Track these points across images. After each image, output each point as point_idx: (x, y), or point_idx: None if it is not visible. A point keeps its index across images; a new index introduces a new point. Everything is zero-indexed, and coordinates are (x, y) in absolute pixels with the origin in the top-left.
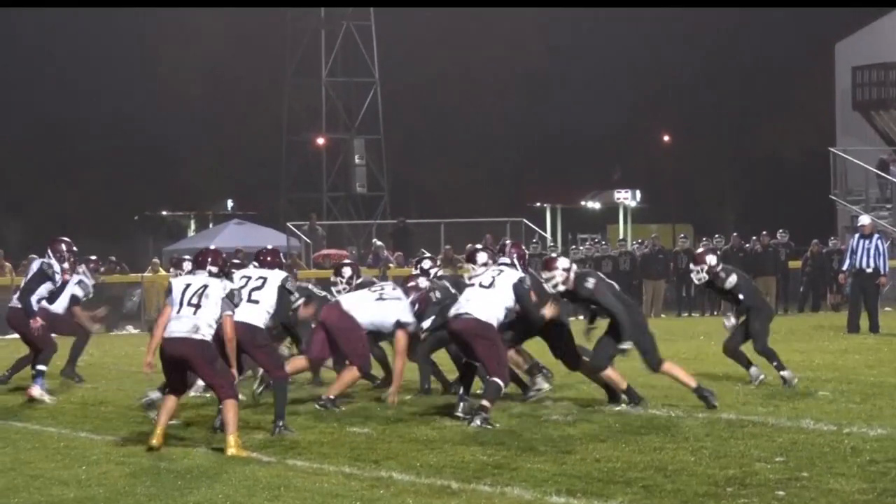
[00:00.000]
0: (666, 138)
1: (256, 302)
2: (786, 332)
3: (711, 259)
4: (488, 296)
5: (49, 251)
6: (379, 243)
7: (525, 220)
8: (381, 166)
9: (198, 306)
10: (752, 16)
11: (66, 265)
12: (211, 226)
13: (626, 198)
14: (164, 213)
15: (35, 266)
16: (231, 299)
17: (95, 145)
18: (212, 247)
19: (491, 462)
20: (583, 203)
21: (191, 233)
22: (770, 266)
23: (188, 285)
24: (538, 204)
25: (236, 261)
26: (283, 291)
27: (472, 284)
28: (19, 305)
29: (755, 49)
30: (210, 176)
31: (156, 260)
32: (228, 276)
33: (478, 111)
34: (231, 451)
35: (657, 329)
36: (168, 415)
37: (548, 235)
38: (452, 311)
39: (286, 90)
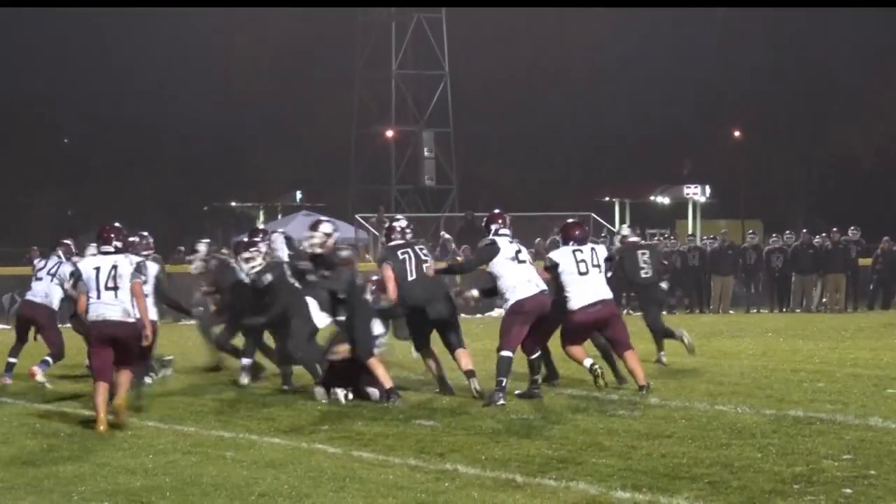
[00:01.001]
0: (736, 133)
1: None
2: (854, 330)
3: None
4: (602, 275)
5: (60, 251)
6: (447, 236)
7: (593, 215)
8: (450, 159)
9: (116, 288)
10: (826, 13)
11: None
12: (280, 217)
13: (696, 193)
14: (233, 203)
15: (66, 271)
16: (139, 271)
17: (164, 136)
18: (116, 224)
19: (556, 456)
20: (652, 198)
21: (259, 224)
22: (840, 263)
23: (98, 268)
24: (607, 198)
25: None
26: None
27: (597, 266)
28: (37, 301)
29: (829, 46)
30: (279, 167)
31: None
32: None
33: (547, 105)
34: (112, 417)
35: (726, 325)
36: (105, 400)
37: (616, 230)
38: (590, 299)
39: (356, 82)
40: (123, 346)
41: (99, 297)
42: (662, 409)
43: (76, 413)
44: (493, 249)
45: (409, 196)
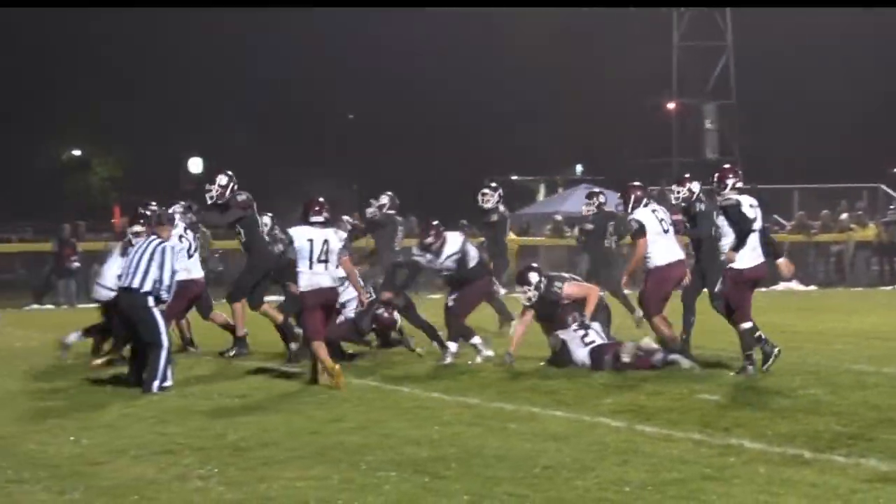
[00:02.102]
0: None
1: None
2: None
3: (695, 185)
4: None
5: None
6: None
7: (883, 186)
8: (733, 131)
9: (327, 261)
10: None
11: None
12: (560, 191)
13: None
14: (514, 177)
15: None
16: (346, 247)
17: (447, 111)
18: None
19: (845, 432)
20: None
21: (540, 197)
22: None
23: (311, 240)
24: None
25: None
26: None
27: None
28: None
29: None
30: (559, 141)
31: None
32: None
33: (833, 74)
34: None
35: None
36: (327, 355)
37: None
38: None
39: (637, 54)
40: (329, 311)
41: (311, 268)
42: None
43: (363, 384)
44: (738, 209)
45: (691, 168)
